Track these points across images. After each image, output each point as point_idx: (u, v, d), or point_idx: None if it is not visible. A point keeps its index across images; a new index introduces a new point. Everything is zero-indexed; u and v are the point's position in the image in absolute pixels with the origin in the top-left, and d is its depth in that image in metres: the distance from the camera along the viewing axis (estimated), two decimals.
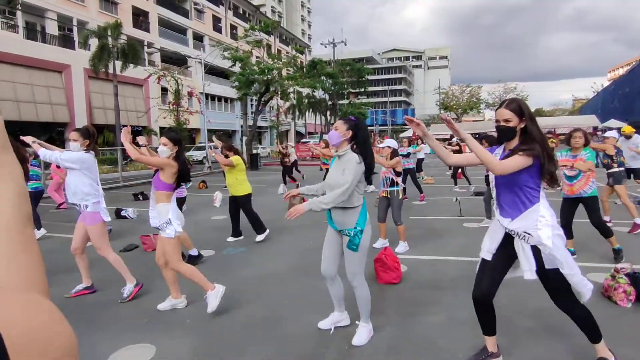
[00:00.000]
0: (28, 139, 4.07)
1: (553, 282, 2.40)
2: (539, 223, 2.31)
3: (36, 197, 7.14)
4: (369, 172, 2.94)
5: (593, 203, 4.74)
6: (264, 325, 3.40)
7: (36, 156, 9.31)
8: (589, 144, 4.85)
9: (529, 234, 2.35)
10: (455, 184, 11.73)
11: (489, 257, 2.55)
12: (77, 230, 4.14)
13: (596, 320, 2.50)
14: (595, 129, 31.91)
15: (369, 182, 12.03)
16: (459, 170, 11.66)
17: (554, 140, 11.35)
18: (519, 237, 2.38)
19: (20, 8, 20.68)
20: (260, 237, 6.29)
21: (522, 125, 2.39)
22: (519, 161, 2.29)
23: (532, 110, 2.53)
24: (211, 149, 7.37)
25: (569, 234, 4.90)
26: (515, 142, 2.44)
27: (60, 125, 26.10)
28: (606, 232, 4.80)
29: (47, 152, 3.95)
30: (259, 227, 6.36)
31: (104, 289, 4.31)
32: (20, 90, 23.45)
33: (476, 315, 2.64)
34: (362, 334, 3.02)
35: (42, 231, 6.98)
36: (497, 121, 2.45)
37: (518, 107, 2.39)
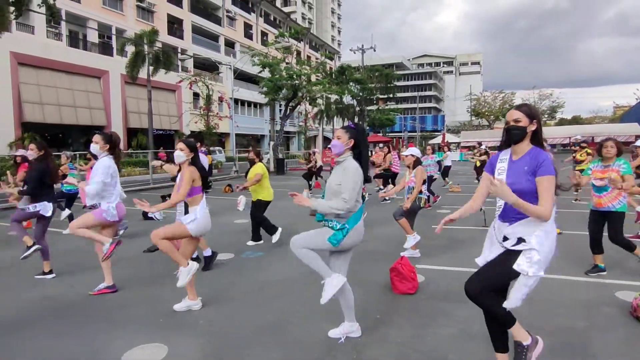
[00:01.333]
0: (81, 184, 4.38)
1: (497, 274, 2.37)
2: (537, 230, 2.26)
3: (71, 197, 7.65)
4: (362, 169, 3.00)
5: (618, 219, 4.49)
6: (275, 330, 3.42)
7: (72, 159, 9.81)
8: (621, 154, 4.62)
9: (523, 240, 2.29)
10: None
11: (481, 263, 2.52)
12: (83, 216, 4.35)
13: (624, 341, 2.38)
14: (638, 137, 30.36)
15: (385, 183, 11.70)
16: None
17: (589, 151, 10.84)
18: (506, 242, 2.35)
19: (63, 19, 21.84)
20: (250, 243, 6.47)
21: (533, 128, 2.35)
22: (552, 186, 2.25)
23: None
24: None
25: (597, 249, 4.68)
26: (524, 147, 2.39)
27: (97, 128, 27.26)
28: (628, 247, 4.56)
29: (89, 190, 4.13)
30: (255, 234, 6.54)
31: (125, 288, 4.45)
32: (62, 95, 24.73)
33: (487, 329, 2.56)
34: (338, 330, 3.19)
35: None
36: (506, 123, 2.42)
37: (528, 109, 2.37)
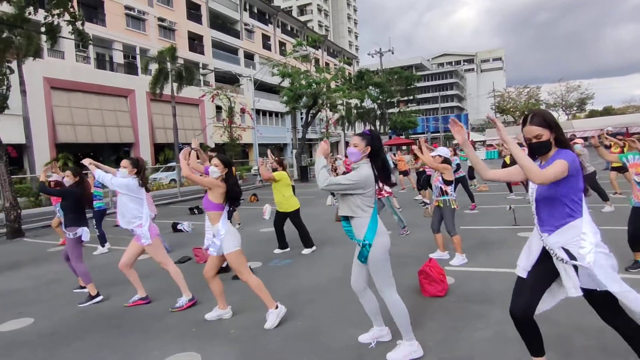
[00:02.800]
0: (86, 161, 4.49)
1: (597, 299, 2.23)
2: (581, 241, 2.15)
3: (100, 215, 7.72)
4: (384, 174, 2.98)
5: None
6: (305, 337, 3.43)
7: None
8: None
9: (566, 250, 2.20)
10: (511, 191, 11.13)
11: (524, 275, 2.38)
12: (130, 247, 4.49)
13: None
14: None
15: (421, 187, 11.47)
16: None
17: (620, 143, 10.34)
18: (555, 256, 2.24)
19: (91, 42, 22.81)
20: (306, 251, 6.39)
21: (554, 136, 2.27)
22: (561, 167, 2.15)
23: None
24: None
25: (638, 245, 4.49)
26: (551, 153, 2.31)
27: (127, 145, 28.23)
28: (638, 245, 4.42)
29: (101, 174, 4.37)
30: (307, 241, 6.48)
31: (158, 299, 4.57)
32: (92, 115, 25.73)
33: (520, 335, 2.48)
34: (399, 352, 2.94)
35: (107, 245, 7.58)
36: (527, 140, 2.32)
37: (543, 119, 2.26)
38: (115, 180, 4.33)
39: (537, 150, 2.31)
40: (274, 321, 3.66)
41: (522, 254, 2.47)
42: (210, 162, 3.89)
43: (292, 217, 6.46)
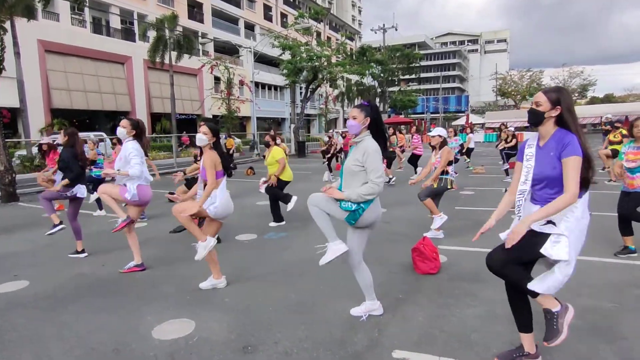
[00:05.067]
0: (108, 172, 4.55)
1: (520, 251, 2.27)
2: (568, 214, 2.20)
3: (99, 182, 7.79)
4: (383, 144, 3.00)
5: None
6: (298, 308, 3.49)
7: (99, 144, 10.09)
8: None
9: (552, 223, 2.24)
10: (507, 174, 11.18)
11: (504, 238, 2.40)
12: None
13: None
14: None
15: (415, 169, 11.79)
16: (511, 160, 11.09)
17: (624, 131, 10.29)
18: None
19: (87, 4, 22.16)
20: (272, 224, 6.57)
21: (554, 114, 2.28)
22: (578, 165, 2.19)
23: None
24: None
25: (628, 230, 4.55)
26: (548, 130, 2.33)
27: (122, 113, 27.82)
28: (628, 230, 4.51)
29: (133, 173, 4.27)
30: (276, 215, 6.63)
31: (154, 267, 4.61)
32: (88, 81, 25.28)
33: (510, 307, 2.53)
34: (362, 307, 3.22)
35: (102, 212, 7.68)
36: (532, 103, 2.39)
37: (556, 96, 2.28)
38: (133, 170, 4.26)
39: (529, 116, 2.40)
40: (202, 253, 3.74)
41: (512, 225, 2.48)
42: (199, 129, 3.86)
43: (279, 185, 6.63)
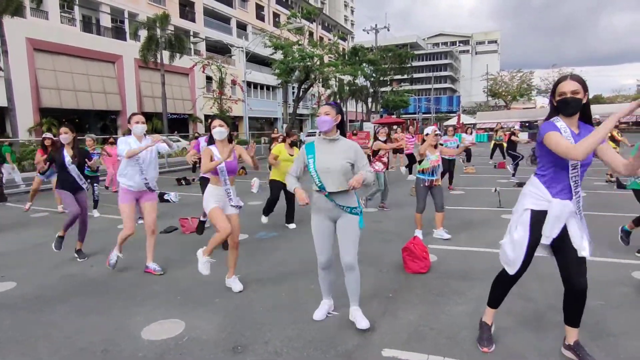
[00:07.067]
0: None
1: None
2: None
3: (92, 179, 7.73)
4: None
5: None
6: (289, 308, 3.49)
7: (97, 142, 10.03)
8: None
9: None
10: (514, 175, 11.23)
11: (547, 242, 2.52)
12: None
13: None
14: None
15: (410, 172, 11.84)
16: (502, 160, 11.21)
17: (614, 132, 10.40)
18: (579, 210, 2.45)
19: (77, 2, 21.94)
20: (264, 220, 6.49)
21: (585, 101, 2.34)
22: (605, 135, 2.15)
23: (590, 96, 2.50)
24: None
25: None
26: (575, 121, 2.38)
27: (113, 113, 27.62)
28: None
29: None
30: (267, 210, 6.51)
31: (142, 267, 4.58)
32: (78, 80, 24.99)
33: (496, 290, 2.84)
34: (364, 317, 3.12)
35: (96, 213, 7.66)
36: (561, 94, 2.33)
37: (582, 80, 2.33)
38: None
39: (571, 105, 2.31)
40: (201, 268, 3.69)
41: (545, 226, 2.49)
42: (210, 126, 3.91)
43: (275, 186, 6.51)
